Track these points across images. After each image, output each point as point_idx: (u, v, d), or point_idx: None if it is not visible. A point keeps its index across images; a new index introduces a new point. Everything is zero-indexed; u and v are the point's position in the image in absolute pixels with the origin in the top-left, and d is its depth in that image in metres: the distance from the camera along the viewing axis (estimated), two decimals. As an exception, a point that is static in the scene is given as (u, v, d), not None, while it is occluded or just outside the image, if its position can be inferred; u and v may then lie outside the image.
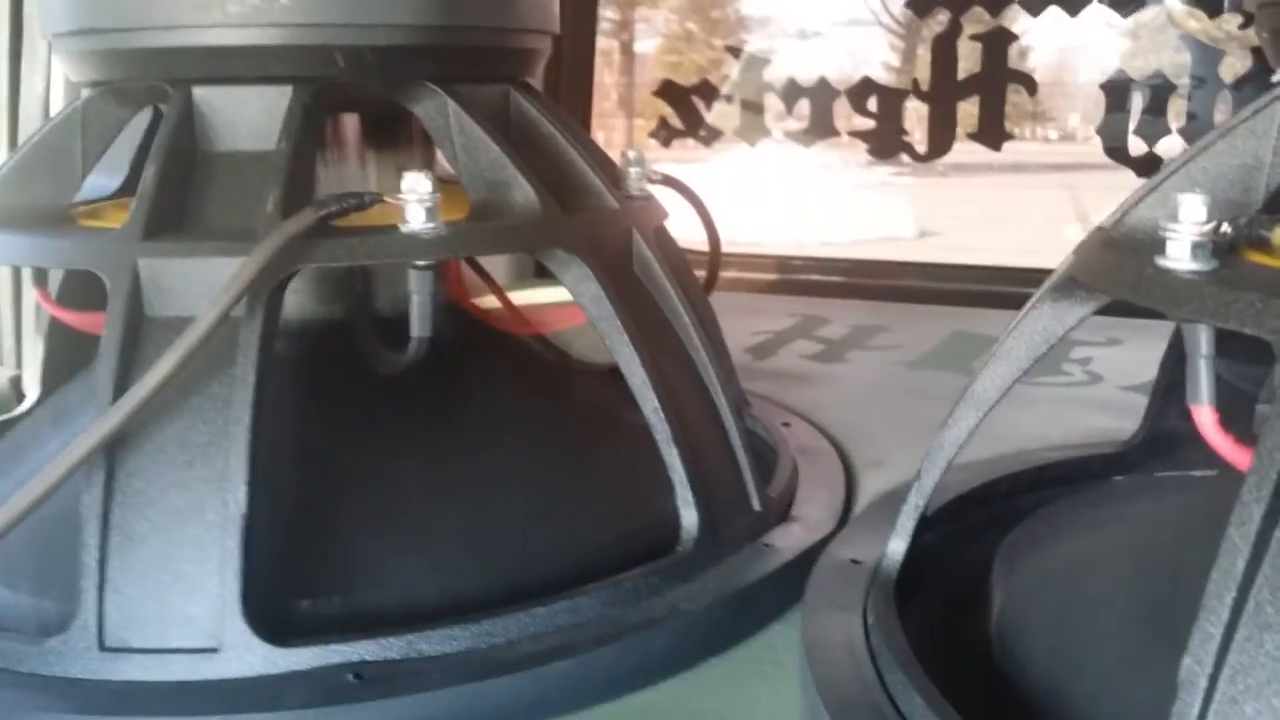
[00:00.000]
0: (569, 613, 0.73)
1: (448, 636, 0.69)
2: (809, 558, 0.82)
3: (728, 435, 0.90)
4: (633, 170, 0.97)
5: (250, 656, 0.66)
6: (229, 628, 0.66)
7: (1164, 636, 0.55)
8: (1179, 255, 0.58)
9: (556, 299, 1.00)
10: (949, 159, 2.11)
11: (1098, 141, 1.99)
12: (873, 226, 7.34)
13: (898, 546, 0.76)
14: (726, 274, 1.19)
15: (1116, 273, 0.64)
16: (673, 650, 0.74)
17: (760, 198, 6.72)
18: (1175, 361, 0.92)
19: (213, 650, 0.66)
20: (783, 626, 0.78)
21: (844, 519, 0.93)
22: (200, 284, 0.70)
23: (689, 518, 0.81)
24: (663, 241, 0.96)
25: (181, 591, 0.67)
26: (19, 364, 1.36)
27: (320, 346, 0.87)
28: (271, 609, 0.68)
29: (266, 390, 0.69)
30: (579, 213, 0.86)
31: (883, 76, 2.13)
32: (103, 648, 0.66)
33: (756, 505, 0.88)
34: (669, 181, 1.04)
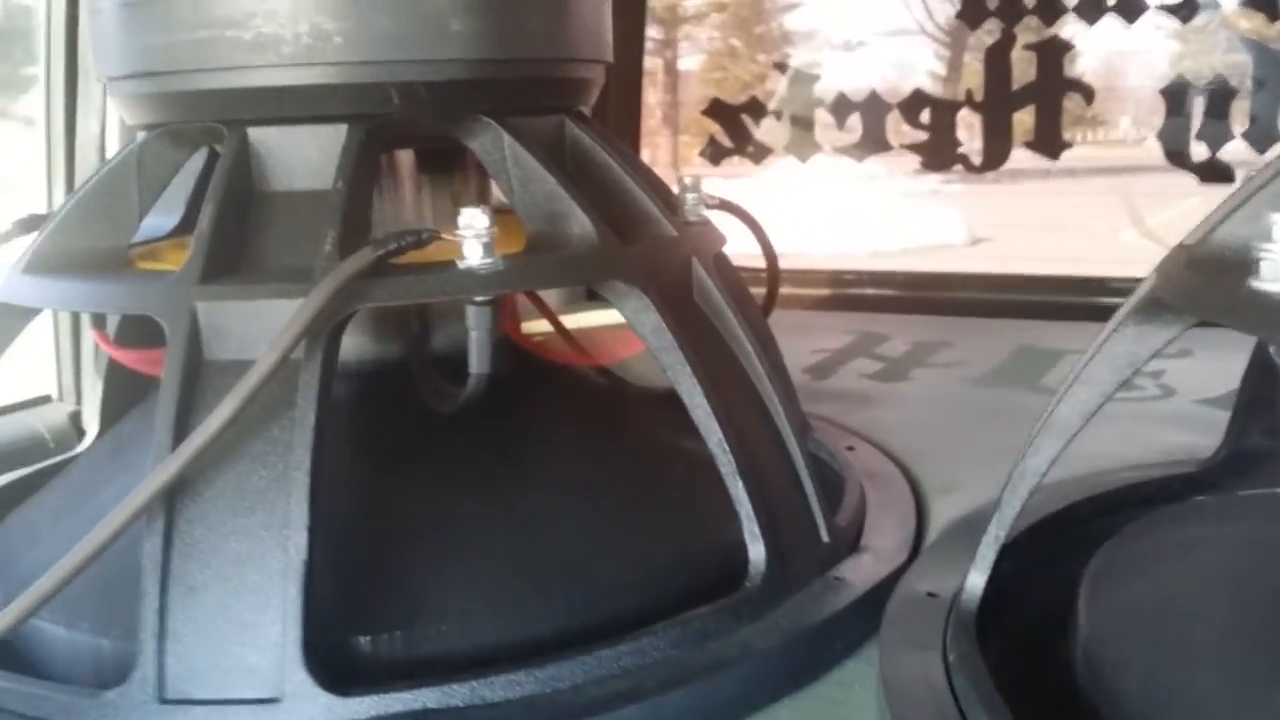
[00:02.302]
0: (635, 654, 0.71)
1: (512, 682, 0.67)
2: (882, 591, 0.80)
3: (793, 464, 0.88)
4: (690, 196, 0.95)
5: (312, 707, 0.64)
6: (290, 677, 0.64)
7: (1266, 664, 0.52)
8: (1276, 277, 0.56)
9: (609, 320, 0.99)
10: (999, 165, 2.07)
11: (1150, 145, 1.94)
12: (923, 234, 7.28)
13: (977, 580, 0.73)
14: (780, 290, 1.16)
15: (1206, 294, 0.61)
16: (744, 692, 0.72)
17: (809, 208, 6.69)
18: (1257, 378, 0.89)
19: (274, 701, 0.64)
20: (857, 664, 0.76)
21: (916, 548, 0.90)
22: (259, 326, 0.70)
23: (756, 551, 0.79)
24: (722, 267, 0.95)
25: (243, 641, 0.66)
26: (79, 399, 1.37)
27: (378, 385, 0.86)
28: (333, 656, 0.67)
29: (326, 433, 0.68)
30: (637, 242, 0.84)
31: (929, 85, 2.10)
32: (162, 700, 0.65)
33: (825, 536, 0.86)
34: (727, 206, 1.02)
